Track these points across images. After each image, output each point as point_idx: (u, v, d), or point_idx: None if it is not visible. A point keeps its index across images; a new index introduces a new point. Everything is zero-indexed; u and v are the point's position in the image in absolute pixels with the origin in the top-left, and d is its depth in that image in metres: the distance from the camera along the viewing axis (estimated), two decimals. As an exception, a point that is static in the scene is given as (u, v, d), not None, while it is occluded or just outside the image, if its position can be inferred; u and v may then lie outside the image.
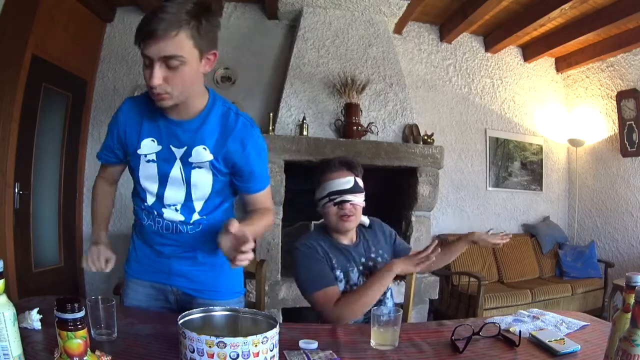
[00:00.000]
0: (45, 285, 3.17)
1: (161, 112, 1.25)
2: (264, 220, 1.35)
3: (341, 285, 1.60)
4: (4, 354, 0.81)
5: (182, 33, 1.07)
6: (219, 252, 1.40)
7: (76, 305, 0.79)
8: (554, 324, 1.33)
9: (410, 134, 3.79)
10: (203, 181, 1.29)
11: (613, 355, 0.86)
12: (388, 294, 1.70)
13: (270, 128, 3.53)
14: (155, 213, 1.33)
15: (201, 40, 1.11)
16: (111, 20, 3.89)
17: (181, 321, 0.95)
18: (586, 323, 1.34)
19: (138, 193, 1.36)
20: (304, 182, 3.97)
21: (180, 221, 1.32)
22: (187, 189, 1.30)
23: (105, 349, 0.97)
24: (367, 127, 3.68)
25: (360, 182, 1.63)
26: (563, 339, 1.16)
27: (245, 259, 1.08)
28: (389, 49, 3.96)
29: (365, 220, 1.74)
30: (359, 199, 1.61)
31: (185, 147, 1.26)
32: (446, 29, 4.45)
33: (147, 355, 1.00)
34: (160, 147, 1.27)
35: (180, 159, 1.27)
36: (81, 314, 0.79)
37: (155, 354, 1.01)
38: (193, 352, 0.85)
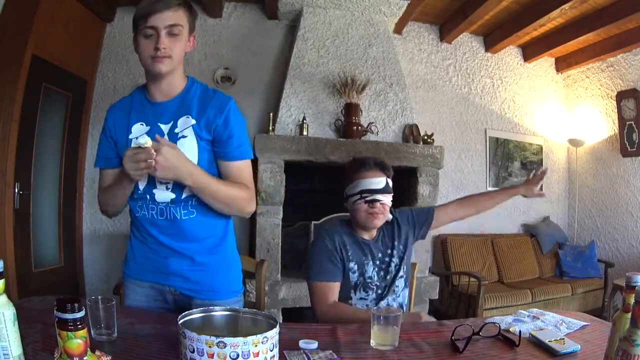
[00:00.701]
0: (45, 285, 3.17)
1: (145, 98, 1.41)
2: (235, 190, 1.37)
3: (354, 277, 1.66)
4: (4, 354, 0.81)
5: (181, 9, 1.33)
6: (216, 252, 1.42)
7: (76, 305, 0.78)
8: (554, 324, 1.33)
9: (410, 134, 3.79)
10: (189, 149, 1.33)
11: (613, 355, 0.86)
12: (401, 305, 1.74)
13: (270, 128, 3.53)
14: (147, 197, 1.36)
15: (191, 20, 1.37)
16: (111, 20, 3.89)
17: (181, 321, 0.95)
18: (586, 323, 1.34)
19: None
20: (304, 182, 4.01)
21: (173, 201, 1.35)
22: None
23: (105, 349, 0.96)
24: (367, 127, 3.68)
25: (391, 184, 1.69)
26: (563, 339, 1.16)
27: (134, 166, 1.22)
28: (389, 49, 3.96)
29: (389, 216, 1.77)
30: (388, 200, 1.67)
31: (171, 122, 1.37)
32: (446, 29, 4.45)
33: (147, 355, 1.00)
34: (148, 127, 1.37)
35: (168, 133, 1.35)
36: (81, 314, 0.79)
37: (155, 354, 1.00)
38: (193, 352, 0.85)
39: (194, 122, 1.35)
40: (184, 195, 1.36)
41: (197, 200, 1.36)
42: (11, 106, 2.79)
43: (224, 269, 1.45)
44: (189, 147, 1.33)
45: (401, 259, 1.74)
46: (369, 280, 1.67)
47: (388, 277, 1.70)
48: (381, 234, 1.75)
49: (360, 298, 1.67)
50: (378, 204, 1.63)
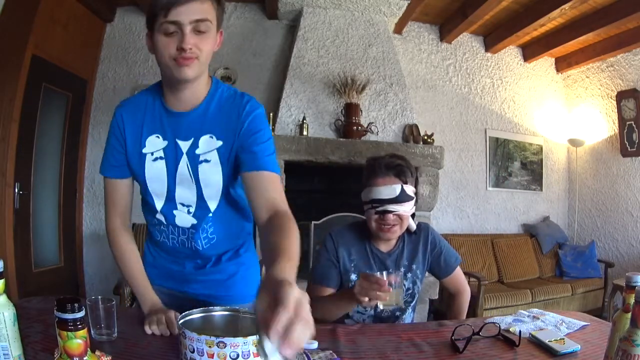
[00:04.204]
0: (45, 285, 3.18)
1: (162, 105, 1.20)
2: (294, 243, 0.94)
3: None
4: (4, 354, 0.81)
5: (209, 0, 1.09)
6: (236, 258, 1.33)
7: (76, 305, 0.78)
8: (554, 324, 1.33)
9: (410, 134, 3.79)
10: (212, 177, 1.19)
11: (613, 355, 0.86)
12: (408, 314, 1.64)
13: (271, 128, 3.53)
14: (165, 221, 1.25)
15: (220, 13, 1.13)
16: (111, 20, 3.90)
17: (181, 321, 0.95)
18: (586, 323, 1.34)
19: (147, 202, 1.26)
20: (304, 182, 4.01)
21: (193, 226, 1.24)
22: (197, 187, 1.20)
23: (105, 349, 0.96)
24: (367, 127, 3.68)
25: (409, 189, 1.49)
26: (563, 339, 1.16)
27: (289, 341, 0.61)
28: (389, 49, 3.96)
29: (412, 225, 1.59)
30: (405, 208, 1.47)
31: (192, 139, 1.18)
32: (446, 29, 4.45)
33: (147, 355, 1.00)
34: (166, 143, 1.19)
35: (187, 152, 1.18)
36: (81, 314, 0.79)
37: (155, 354, 1.00)
38: (193, 352, 0.85)
39: (219, 144, 1.17)
40: (205, 222, 1.25)
41: (216, 223, 1.25)
42: (11, 106, 2.79)
43: (242, 273, 1.35)
44: (212, 174, 1.18)
45: (414, 283, 1.58)
46: None
47: None
48: (400, 245, 1.59)
49: (358, 311, 1.57)
50: (390, 215, 1.46)
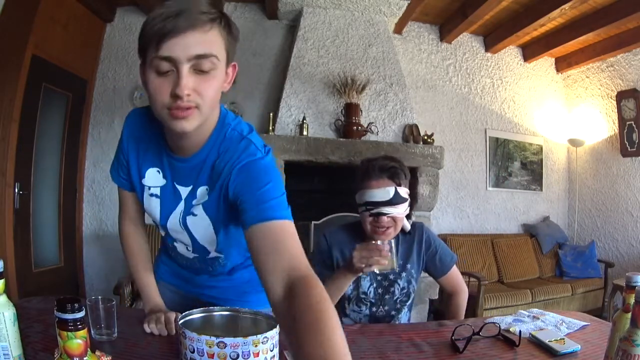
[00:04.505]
0: (45, 285, 3.17)
1: (164, 144, 1.02)
2: (335, 335, 0.65)
3: (349, 289, 1.56)
4: (4, 354, 0.80)
5: (216, 28, 0.85)
6: (250, 265, 1.24)
7: (76, 305, 0.78)
8: (554, 324, 1.33)
9: (410, 134, 3.79)
10: (202, 230, 1.07)
11: (613, 355, 0.86)
12: (403, 314, 1.65)
13: (270, 128, 3.53)
14: (170, 247, 1.20)
15: (230, 44, 0.92)
16: (111, 20, 3.89)
17: (181, 321, 0.95)
18: (586, 323, 1.34)
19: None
20: (304, 182, 4.00)
21: (196, 258, 1.18)
22: (189, 235, 1.11)
23: (105, 349, 0.96)
24: (367, 127, 3.68)
25: (403, 191, 1.49)
26: (563, 339, 1.16)
27: None
28: (389, 49, 3.96)
29: (407, 225, 1.59)
30: (399, 210, 1.47)
31: (191, 187, 1.03)
32: (446, 29, 4.45)
33: (147, 355, 1.00)
34: (164, 182, 1.06)
35: (185, 199, 1.05)
36: (81, 314, 0.79)
37: (155, 354, 1.00)
38: (193, 352, 0.85)
39: (206, 198, 1.02)
40: (210, 256, 1.15)
41: (225, 256, 1.16)
42: (11, 106, 2.79)
43: (255, 278, 1.30)
44: (201, 227, 1.05)
45: (409, 282, 1.60)
46: (363, 296, 1.57)
47: (387, 296, 1.59)
48: (395, 245, 1.61)
49: (353, 311, 1.60)
50: (385, 217, 1.47)
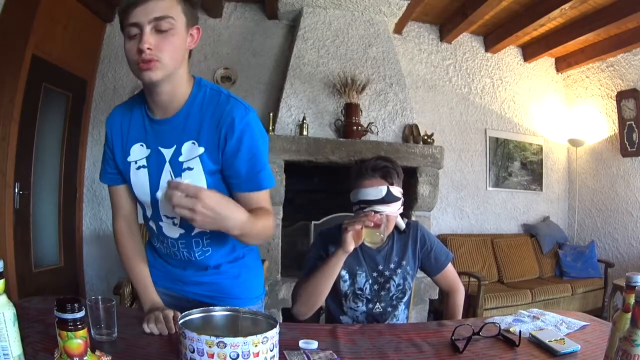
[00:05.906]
0: (45, 285, 3.17)
1: (145, 113, 1.17)
2: (266, 221, 1.13)
3: (345, 285, 1.59)
4: (4, 354, 0.81)
5: None
6: (236, 261, 1.30)
7: (76, 305, 0.78)
8: (554, 324, 1.33)
9: (410, 134, 3.79)
10: (196, 184, 1.13)
11: (613, 355, 0.86)
12: (400, 313, 1.66)
13: (270, 128, 3.53)
14: (155, 229, 1.24)
15: (188, 9, 1.08)
16: (111, 20, 3.90)
17: (181, 321, 0.95)
18: (586, 323, 1.34)
19: (141, 209, 1.27)
20: (304, 182, 4.00)
21: (182, 235, 1.21)
22: None
23: (105, 349, 0.96)
24: (367, 127, 3.68)
25: (396, 190, 1.52)
26: (563, 339, 1.16)
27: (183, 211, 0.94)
28: (389, 49, 3.96)
29: (401, 224, 1.63)
30: (392, 209, 1.51)
31: (174, 146, 1.14)
32: (446, 29, 4.45)
33: (147, 355, 1.00)
34: (149, 151, 1.17)
35: (170, 160, 1.15)
36: (81, 314, 0.79)
37: (155, 354, 1.00)
38: (193, 352, 0.85)
39: (201, 150, 1.12)
40: (194, 232, 1.20)
41: (210, 236, 1.21)
42: (11, 106, 2.79)
43: (244, 275, 1.31)
44: (196, 183, 1.09)
45: (405, 279, 1.62)
46: (359, 292, 1.60)
47: (383, 293, 1.61)
48: (389, 245, 1.62)
49: (350, 308, 1.62)
50: (377, 215, 1.49)
